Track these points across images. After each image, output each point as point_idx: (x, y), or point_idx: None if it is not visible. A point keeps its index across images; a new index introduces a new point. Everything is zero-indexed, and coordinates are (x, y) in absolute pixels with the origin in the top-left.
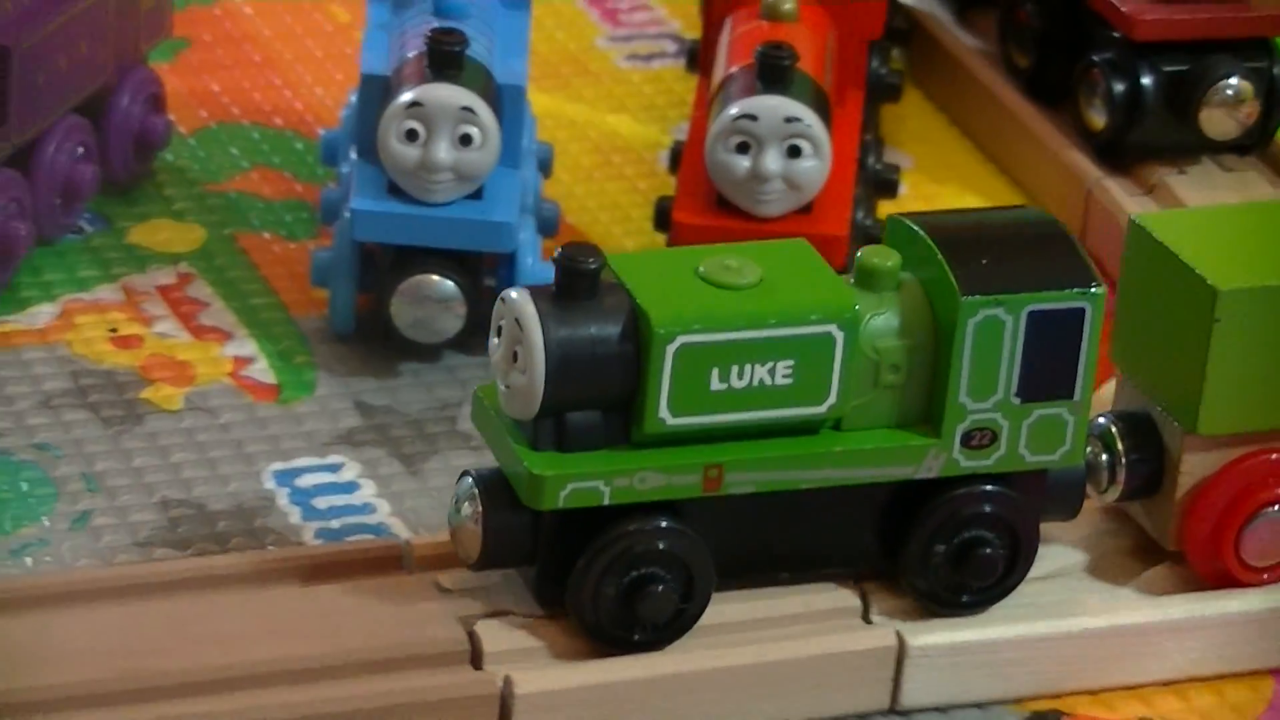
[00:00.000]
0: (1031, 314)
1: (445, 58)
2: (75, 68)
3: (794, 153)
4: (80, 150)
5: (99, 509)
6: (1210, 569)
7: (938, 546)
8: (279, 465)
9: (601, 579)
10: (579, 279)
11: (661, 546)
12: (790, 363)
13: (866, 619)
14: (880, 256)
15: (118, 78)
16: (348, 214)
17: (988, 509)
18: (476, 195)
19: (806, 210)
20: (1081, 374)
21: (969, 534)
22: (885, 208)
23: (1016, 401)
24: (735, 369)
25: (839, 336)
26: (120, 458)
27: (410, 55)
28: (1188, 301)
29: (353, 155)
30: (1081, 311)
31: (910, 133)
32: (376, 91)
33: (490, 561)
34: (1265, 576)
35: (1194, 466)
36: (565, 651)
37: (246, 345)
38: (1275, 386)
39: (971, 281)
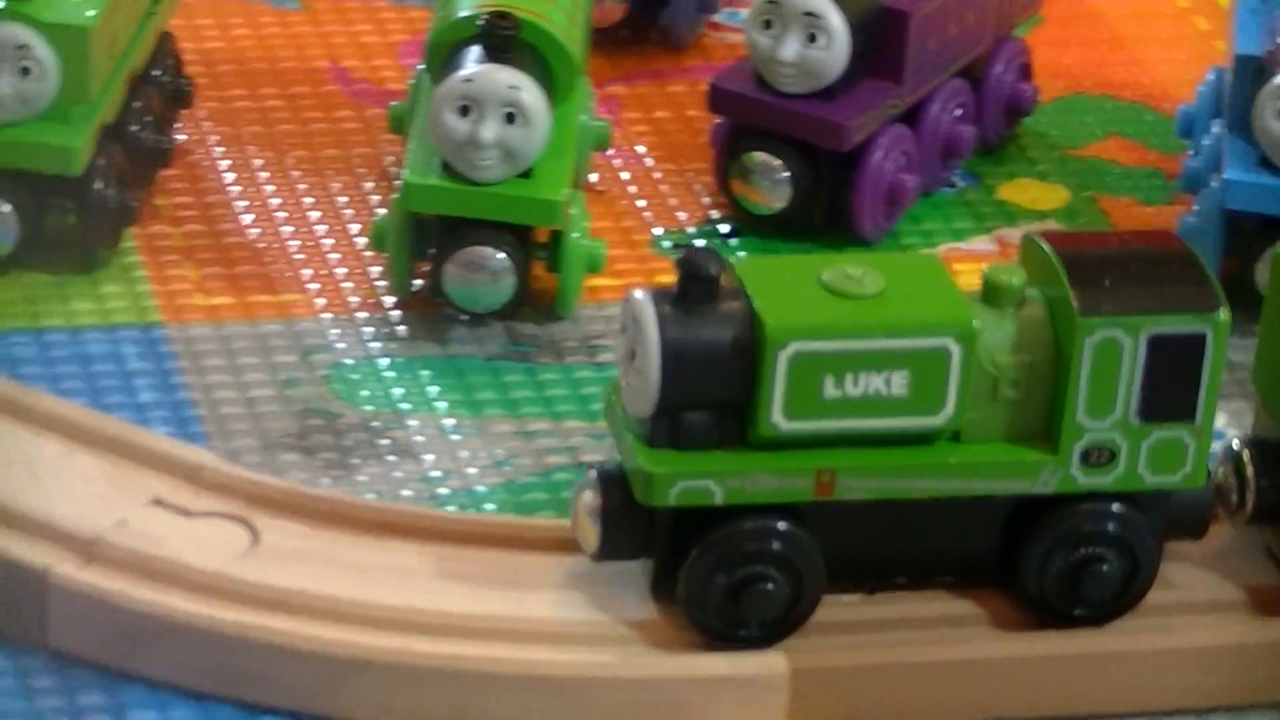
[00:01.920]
0: (1151, 337)
1: None
2: (961, 36)
3: None
4: (960, 111)
5: None
6: None
7: (1056, 558)
8: None
9: (712, 573)
10: (698, 283)
11: (775, 547)
12: (905, 374)
13: None
14: (1007, 274)
15: (994, 47)
16: (1217, 184)
17: (1109, 527)
18: None
19: None
20: (1203, 398)
21: (1088, 550)
22: None
23: (1136, 422)
24: (850, 377)
25: (955, 350)
26: None
27: None
28: None
29: (1215, 129)
30: (1202, 336)
31: None
32: (1249, 71)
33: (607, 553)
34: None
35: None
36: None
37: None
38: None
39: (1090, 301)
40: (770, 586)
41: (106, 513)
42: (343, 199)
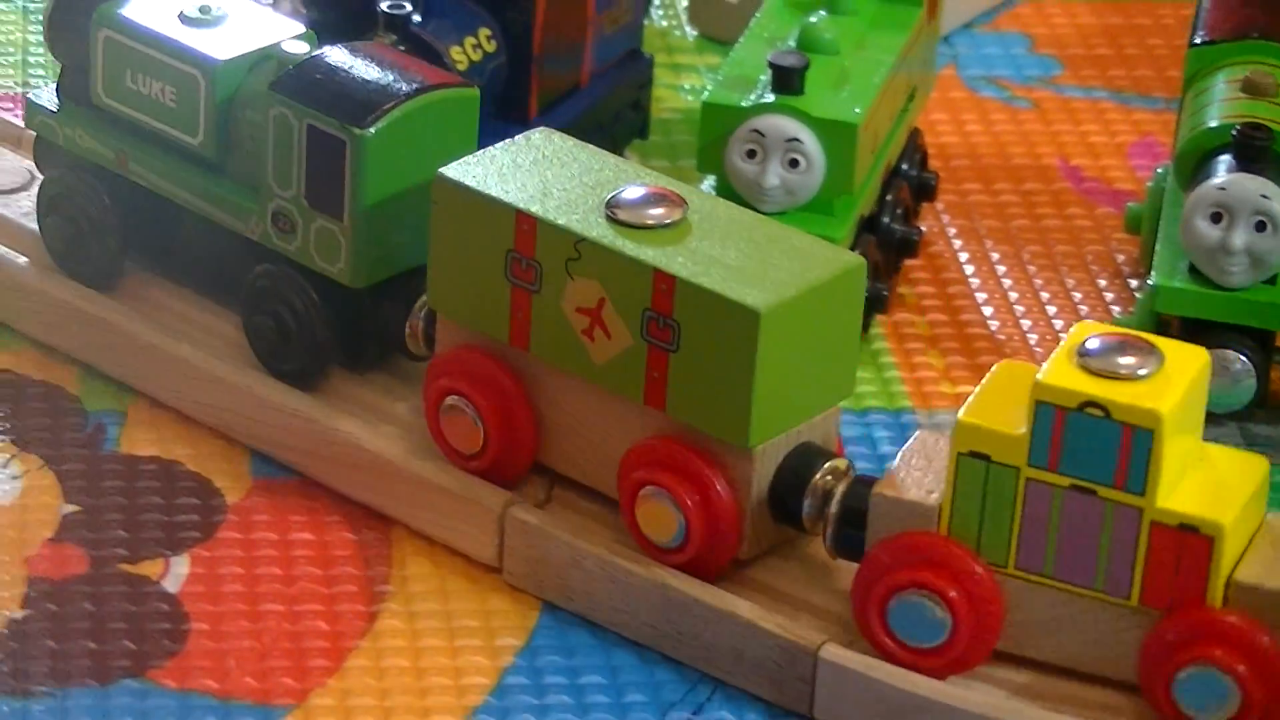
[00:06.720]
0: (310, 128)
1: None
2: None
3: None
4: None
5: None
6: None
7: (248, 301)
8: None
9: (41, 203)
10: None
11: (72, 196)
12: (175, 90)
13: None
14: (297, 45)
15: None
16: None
17: (272, 285)
18: None
19: None
20: (347, 201)
21: (265, 303)
22: None
23: (305, 203)
24: (141, 76)
25: (203, 82)
26: None
27: None
28: None
29: None
30: (342, 143)
31: None
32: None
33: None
34: None
35: None
36: None
37: None
38: None
39: (287, 82)
40: (64, 222)
41: None
42: (1078, 294)
